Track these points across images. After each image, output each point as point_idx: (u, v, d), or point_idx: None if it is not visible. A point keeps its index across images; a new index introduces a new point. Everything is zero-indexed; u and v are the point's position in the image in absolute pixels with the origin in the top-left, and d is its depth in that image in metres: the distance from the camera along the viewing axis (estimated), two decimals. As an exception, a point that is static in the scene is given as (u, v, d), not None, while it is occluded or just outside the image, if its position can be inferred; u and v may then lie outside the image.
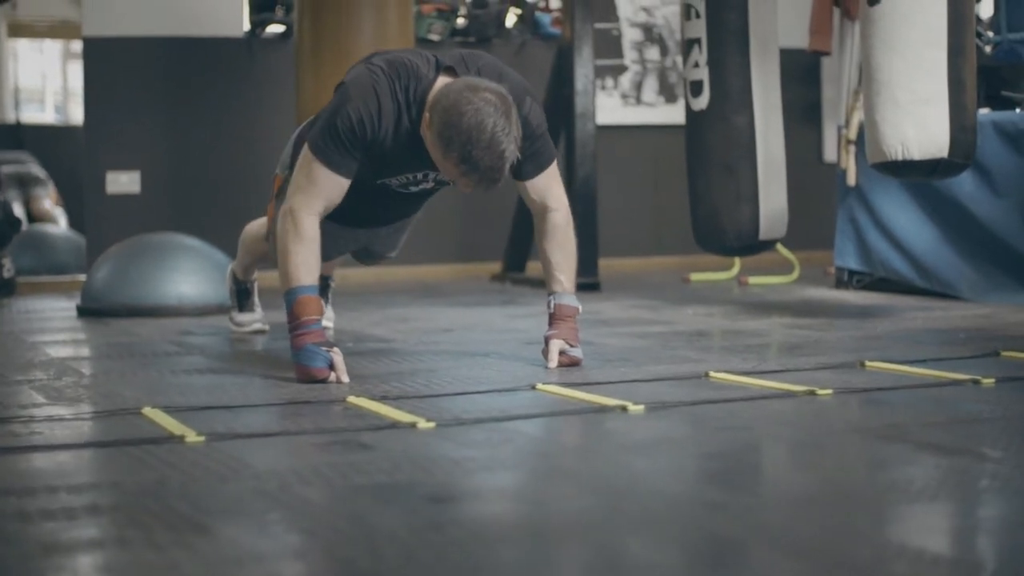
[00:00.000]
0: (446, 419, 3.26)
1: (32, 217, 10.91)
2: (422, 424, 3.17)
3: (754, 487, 2.69)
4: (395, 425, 3.19)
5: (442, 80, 3.95)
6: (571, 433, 3.30)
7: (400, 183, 4.26)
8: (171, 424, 3.19)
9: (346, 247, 4.71)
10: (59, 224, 10.97)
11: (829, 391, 3.61)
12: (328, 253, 4.17)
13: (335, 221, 4.31)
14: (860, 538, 2.16)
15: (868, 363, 4.15)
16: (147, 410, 3.41)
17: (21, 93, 16.10)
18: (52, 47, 16.87)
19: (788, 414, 3.39)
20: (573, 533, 2.25)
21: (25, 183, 10.96)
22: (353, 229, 4.61)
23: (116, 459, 2.89)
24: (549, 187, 4.25)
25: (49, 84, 17.20)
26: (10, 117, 15.25)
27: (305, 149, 4.05)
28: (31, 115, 16.46)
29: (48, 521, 2.31)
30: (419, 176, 4.21)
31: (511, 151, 3.76)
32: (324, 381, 3.89)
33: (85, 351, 5.06)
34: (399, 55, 4.05)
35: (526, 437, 3.16)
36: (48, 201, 11.09)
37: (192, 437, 3.02)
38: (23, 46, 16.70)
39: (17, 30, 16.17)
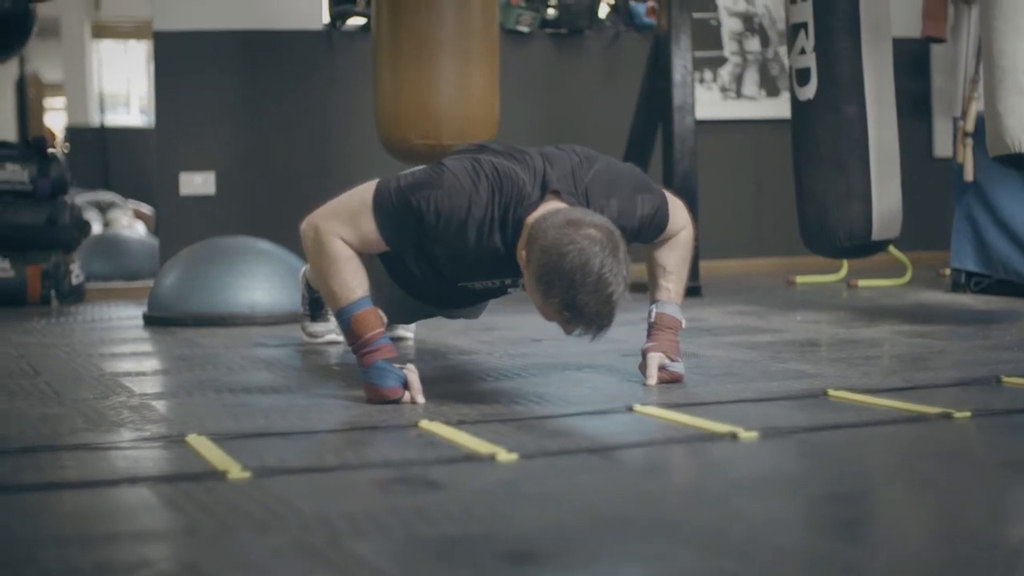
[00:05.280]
0: (530, 450, 2.86)
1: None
2: (502, 456, 2.77)
3: (893, 543, 2.22)
4: (471, 457, 2.80)
5: (545, 207, 3.45)
6: (675, 468, 2.89)
7: (483, 286, 3.85)
8: (216, 456, 2.80)
9: (427, 316, 4.34)
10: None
11: (967, 413, 3.19)
12: (407, 320, 3.82)
13: (415, 298, 3.99)
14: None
15: (1005, 379, 3.72)
16: (192, 438, 3.02)
17: (106, 96, 15.93)
18: (136, 48, 16.69)
19: (923, 443, 2.97)
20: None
21: (103, 208, 11.44)
22: (434, 307, 4.22)
23: (145, 501, 2.51)
24: (673, 223, 3.85)
25: (134, 86, 17.02)
26: (95, 120, 15.09)
27: (368, 186, 3.56)
28: (117, 118, 16.31)
29: (44, 588, 1.92)
30: (507, 282, 3.82)
31: (619, 292, 3.27)
32: (397, 402, 3.52)
33: (142, 365, 4.67)
34: (507, 164, 3.51)
35: (622, 472, 2.74)
36: (125, 219, 11.26)
37: (236, 473, 2.63)
38: (107, 47, 16.53)
39: (101, 31, 16.01)
